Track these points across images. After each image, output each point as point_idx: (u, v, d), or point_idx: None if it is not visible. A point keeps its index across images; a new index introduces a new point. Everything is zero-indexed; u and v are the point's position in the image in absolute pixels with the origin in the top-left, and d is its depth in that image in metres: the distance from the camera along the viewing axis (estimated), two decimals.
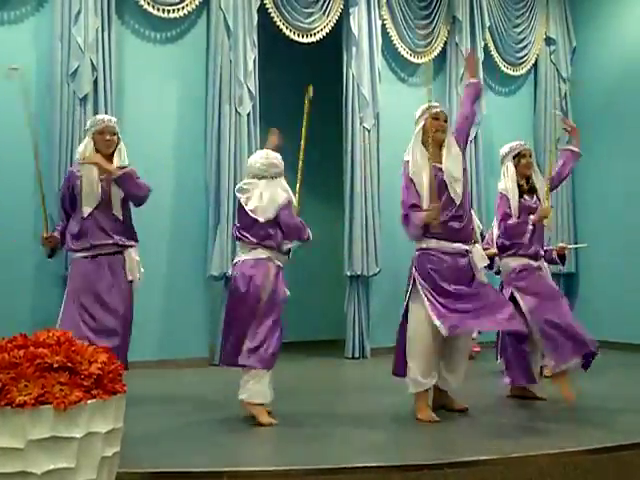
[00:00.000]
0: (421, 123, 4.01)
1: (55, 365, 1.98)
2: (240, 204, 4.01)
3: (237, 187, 4.16)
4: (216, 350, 6.14)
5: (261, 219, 3.88)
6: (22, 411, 1.89)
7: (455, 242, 3.89)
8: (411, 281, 3.93)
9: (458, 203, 3.90)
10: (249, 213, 3.91)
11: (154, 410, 4.25)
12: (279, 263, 3.94)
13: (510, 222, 4.41)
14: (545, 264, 4.70)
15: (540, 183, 4.54)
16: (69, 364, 2.01)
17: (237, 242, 4.09)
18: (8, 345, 2.04)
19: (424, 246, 3.91)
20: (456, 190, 3.89)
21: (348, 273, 6.75)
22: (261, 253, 3.88)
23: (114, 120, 4.16)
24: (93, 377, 2.02)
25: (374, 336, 6.74)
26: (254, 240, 3.89)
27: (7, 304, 5.31)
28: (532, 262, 4.43)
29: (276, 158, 4.04)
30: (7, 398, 1.89)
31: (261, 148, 6.43)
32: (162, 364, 5.88)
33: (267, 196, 3.91)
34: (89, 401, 1.98)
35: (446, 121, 4.04)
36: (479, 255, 4.03)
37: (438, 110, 4.04)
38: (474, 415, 3.95)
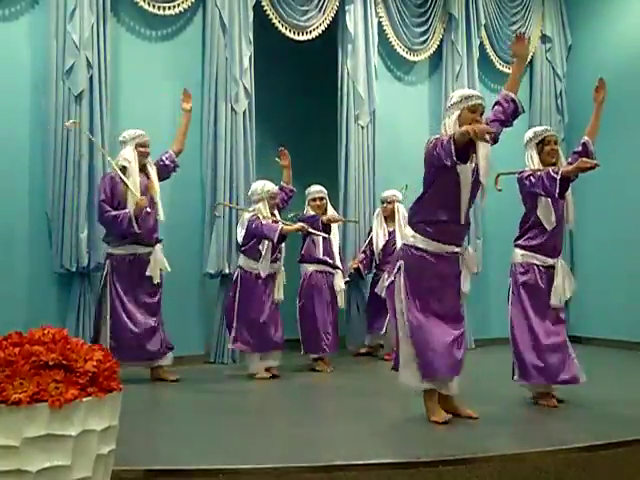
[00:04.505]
0: (455, 112, 3.56)
1: (50, 363, 1.98)
2: None
3: None
4: (212, 347, 6.14)
5: None
6: (17, 409, 1.89)
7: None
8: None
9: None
10: None
11: (149, 408, 4.24)
12: None
13: None
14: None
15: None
16: (64, 362, 2.00)
17: None
18: (3, 342, 2.04)
19: None
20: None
21: None
22: None
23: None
24: (88, 375, 2.02)
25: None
26: None
27: (2, 302, 5.29)
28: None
29: None
30: (2, 396, 1.89)
31: (257, 145, 6.48)
32: None
33: None
34: (84, 399, 1.98)
35: (482, 114, 3.57)
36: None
37: (476, 102, 3.56)
38: None
